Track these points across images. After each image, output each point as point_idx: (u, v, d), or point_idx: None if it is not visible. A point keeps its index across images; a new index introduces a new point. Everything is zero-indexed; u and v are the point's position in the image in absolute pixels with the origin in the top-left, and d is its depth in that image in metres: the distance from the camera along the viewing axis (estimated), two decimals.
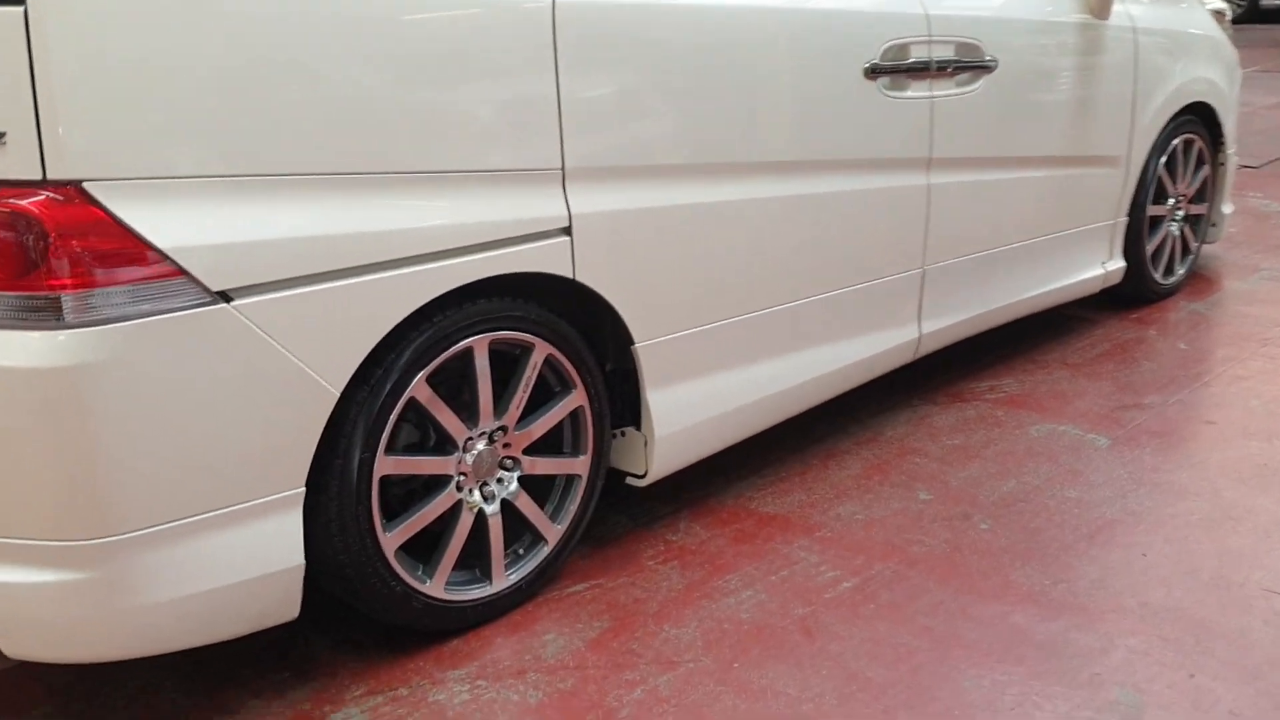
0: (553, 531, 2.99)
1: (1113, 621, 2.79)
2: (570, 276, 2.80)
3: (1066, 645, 2.70)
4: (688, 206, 3.03)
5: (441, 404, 2.68)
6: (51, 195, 2.05)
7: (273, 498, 2.40)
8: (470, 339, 2.67)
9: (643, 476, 3.16)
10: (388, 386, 2.54)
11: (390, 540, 2.65)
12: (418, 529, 2.72)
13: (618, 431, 3.20)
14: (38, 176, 2.05)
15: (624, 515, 3.44)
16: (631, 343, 3.00)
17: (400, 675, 2.69)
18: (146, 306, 2.15)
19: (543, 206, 2.71)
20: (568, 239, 2.77)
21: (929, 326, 3.98)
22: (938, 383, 4.44)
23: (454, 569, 2.86)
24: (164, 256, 2.14)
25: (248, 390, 2.29)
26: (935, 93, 3.69)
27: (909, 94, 3.60)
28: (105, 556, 2.22)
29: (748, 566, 3.11)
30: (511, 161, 2.65)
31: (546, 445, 3.01)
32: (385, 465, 2.59)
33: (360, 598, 2.65)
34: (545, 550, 2.99)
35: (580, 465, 3.02)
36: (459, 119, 2.53)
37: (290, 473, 2.42)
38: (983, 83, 3.86)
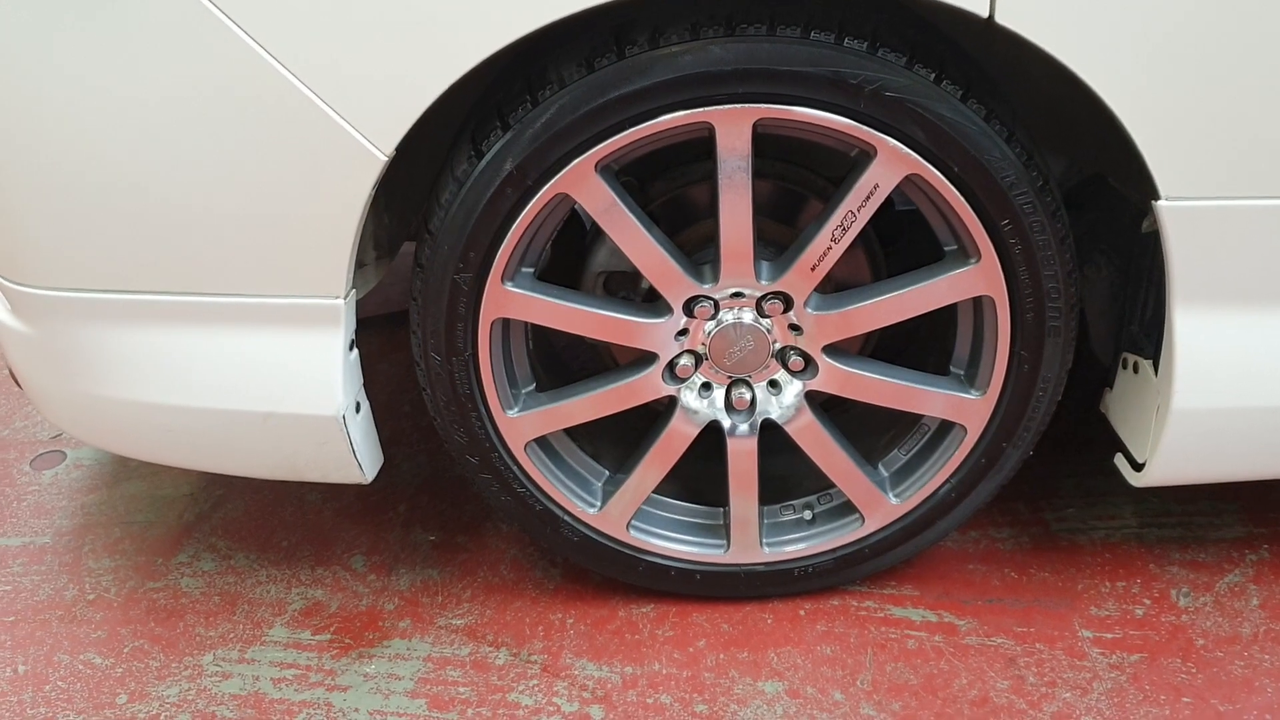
0: (880, 505, 1.56)
1: None
2: (983, 14, 1.19)
3: None
4: None
5: (631, 223, 1.37)
6: None
7: (274, 301, 1.40)
8: (708, 109, 1.28)
9: (1140, 468, 1.51)
10: (510, 164, 1.31)
11: (517, 425, 1.51)
12: (572, 422, 1.53)
13: (1127, 360, 1.55)
14: None
15: (1131, 513, 1.79)
16: (1155, 195, 1.30)
17: (513, 625, 1.65)
18: None
19: None
20: None
21: None
22: None
23: (686, 504, 1.65)
24: None
25: (205, 112, 1.27)
26: None
27: None
28: (38, 312, 1.47)
29: None
30: None
31: (897, 353, 1.55)
32: (504, 302, 1.41)
33: (487, 497, 1.60)
34: (856, 530, 1.59)
35: (970, 410, 1.49)
36: None
37: (306, 270, 1.38)
38: None
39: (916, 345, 1.68)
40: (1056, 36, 1.20)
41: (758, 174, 1.40)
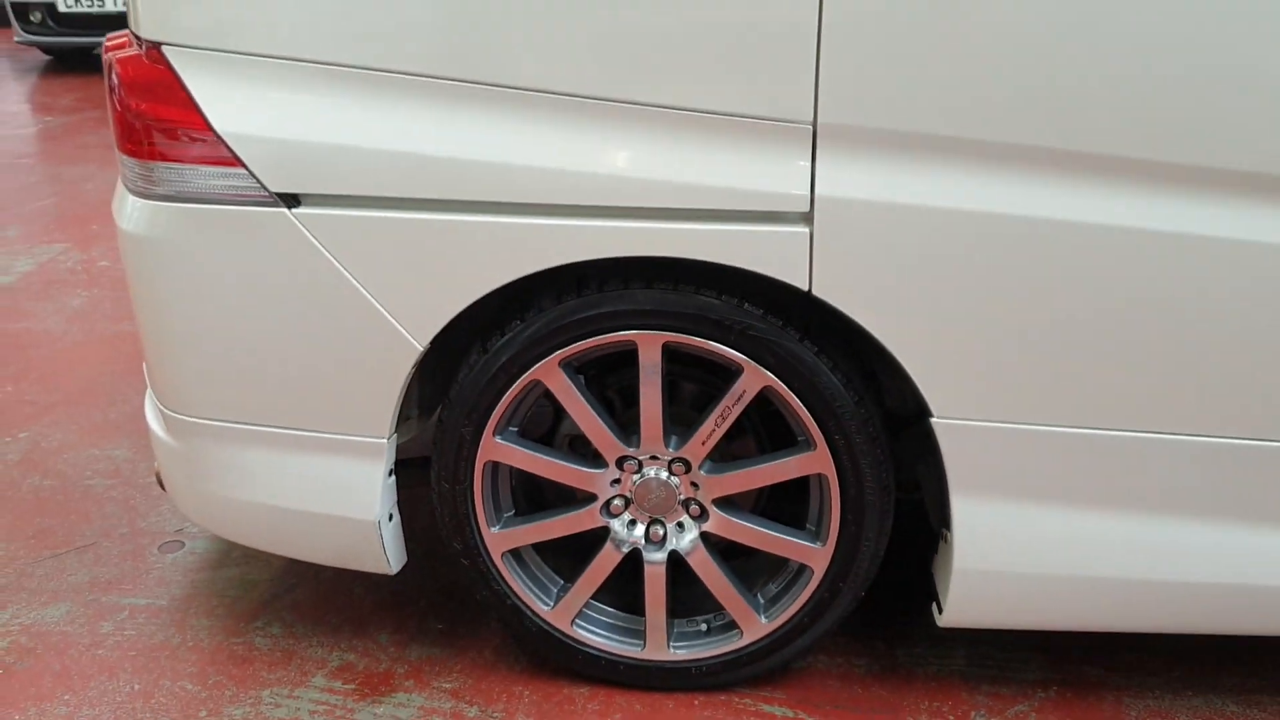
0: (754, 623, 2.13)
1: None
2: (804, 288, 1.84)
3: None
4: (1018, 221, 1.74)
5: (580, 402, 2.02)
6: (139, 53, 1.94)
7: (340, 437, 2.07)
8: (632, 332, 1.94)
9: (941, 612, 2.06)
10: (503, 358, 1.99)
11: (497, 539, 2.14)
12: (536, 539, 2.15)
13: (943, 533, 2.12)
14: (136, 32, 1.95)
15: (963, 655, 2.31)
16: (928, 413, 1.90)
17: (485, 691, 2.23)
18: (203, 191, 1.94)
19: (769, 175, 1.79)
20: (805, 231, 1.80)
21: None
22: None
23: (618, 611, 2.24)
24: (221, 140, 1.90)
25: (308, 311, 1.97)
26: None
27: None
28: (183, 432, 2.17)
29: None
30: (736, 103, 1.77)
31: (771, 507, 2.16)
32: (493, 450, 2.07)
33: (474, 592, 2.22)
34: (737, 641, 2.16)
35: (814, 556, 2.07)
36: (654, 35, 1.75)
37: (364, 418, 2.06)
38: None
39: (803, 503, 2.26)
40: (850, 306, 1.83)
41: (682, 377, 2.05)
